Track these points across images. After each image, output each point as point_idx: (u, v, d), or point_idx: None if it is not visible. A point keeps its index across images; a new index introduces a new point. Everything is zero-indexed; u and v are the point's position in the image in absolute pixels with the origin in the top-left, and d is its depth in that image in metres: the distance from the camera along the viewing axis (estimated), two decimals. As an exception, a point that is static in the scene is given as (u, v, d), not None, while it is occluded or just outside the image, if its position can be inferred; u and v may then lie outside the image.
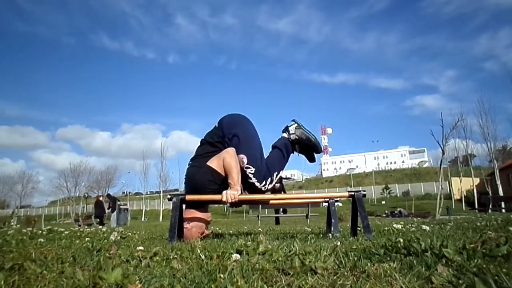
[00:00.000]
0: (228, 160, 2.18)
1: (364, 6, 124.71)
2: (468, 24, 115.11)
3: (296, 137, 2.52)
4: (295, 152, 2.60)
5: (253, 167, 2.29)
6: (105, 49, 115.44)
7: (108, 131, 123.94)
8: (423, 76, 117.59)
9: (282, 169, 2.50)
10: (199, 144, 2.45)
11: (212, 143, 2.35)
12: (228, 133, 2.32)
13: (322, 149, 2.58)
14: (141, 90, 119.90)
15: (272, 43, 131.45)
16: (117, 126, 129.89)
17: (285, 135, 2.57)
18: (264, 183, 2.35)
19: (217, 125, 2.41)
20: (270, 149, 2.56)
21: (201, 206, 2.40)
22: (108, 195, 16.35)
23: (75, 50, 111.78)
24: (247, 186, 2.36)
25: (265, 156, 2.48)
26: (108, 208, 14.44)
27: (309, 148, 2.57)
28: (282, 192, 10.45)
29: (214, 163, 2.23)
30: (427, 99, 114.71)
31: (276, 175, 2.42)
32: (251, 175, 2.30)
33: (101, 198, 15.43)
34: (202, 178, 2.23)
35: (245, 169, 2.28)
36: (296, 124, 2.56)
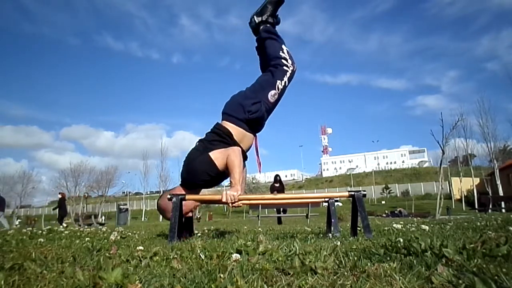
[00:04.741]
0: (232, 158, 2.15)
1: (368, 7, 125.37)
2: (470, 25, 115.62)
3: (266, 14, 2.55)
4: (275, 22, 2.59)
5: (276, 80, 2.40)
6: (110, 50, 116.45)
7: (112, 131, 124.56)
8: (425, 76, 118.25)
9: (283, 43, 2.53)
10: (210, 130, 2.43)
11: (220, 134, 2.33)
12: (246, 112, 2.33)
13: None
14: (145, 90, 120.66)
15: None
16: (121, 126, 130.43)
17: (262, 27, 2.56)
18: (286, 68, 2.44)
19: (226, 121, 2.38)
20: (260, 50, 2.60)
21: (194, 189, 2.36)
22: None
23: (80, 51, 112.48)
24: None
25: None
26: None
27: (277, 4, 2.57)
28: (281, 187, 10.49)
29: (216, 154, 2.20)
30: (429, 99, 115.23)
31: (283, 52, 2.48)
32: (283, 82, 2.42)
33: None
34: (198, 166, 2.22)
35: (279, 90, 2.41)
36: (254, 16, 2.58)
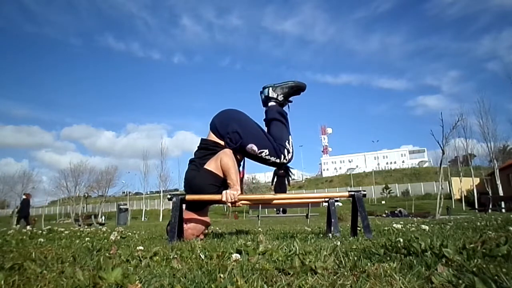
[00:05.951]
0: (225, 161, 2.18)
1: (370, 8, 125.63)
2: (471, 26, 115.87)
3: (282, 94, 2.50)
4: (288, 106, 2.56)
5: (266, 149, 2.30)
6: (111, 50, 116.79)
7: (113, 131, 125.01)
8: (426, 76, 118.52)
9: (290, 134, 2.46)
10: (196, 148, 2.45)
11: (207, 147, 2.35)
12: (226, 132, 2.32)
13: (305, 86, 2.54)
14: (146, 90, 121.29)
15: (277, 44, 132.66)
16: (122, 126, 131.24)
17: (272, 103, 2.50)
18: (283, 157, 2.35)
19: (210, 131, 2.40)
20: (265, 125, 2.52)
21: (201, 209, 2.40)
22: None
23: (81, 51, 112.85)
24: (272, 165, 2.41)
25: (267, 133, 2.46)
26: None
27: (296, 92, 2.55)
28: (286, 182, 10.47)
29: (211, 165, 2.23)
30: (430, 100, 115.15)
31: (289, 143, 2.40)
32: (268, 157, 2.31)
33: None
34: (201, 182, 2.23)
35: (259, 154, 2.30)
36: (270, 88, 2.52)
